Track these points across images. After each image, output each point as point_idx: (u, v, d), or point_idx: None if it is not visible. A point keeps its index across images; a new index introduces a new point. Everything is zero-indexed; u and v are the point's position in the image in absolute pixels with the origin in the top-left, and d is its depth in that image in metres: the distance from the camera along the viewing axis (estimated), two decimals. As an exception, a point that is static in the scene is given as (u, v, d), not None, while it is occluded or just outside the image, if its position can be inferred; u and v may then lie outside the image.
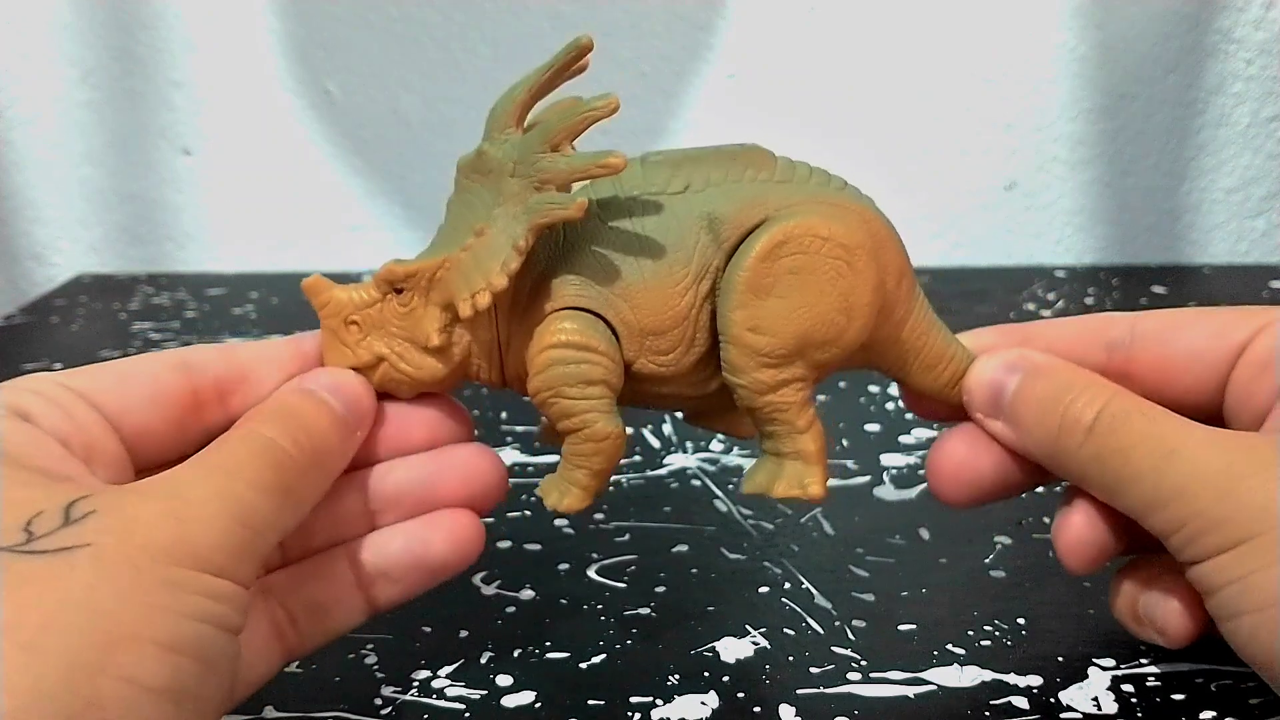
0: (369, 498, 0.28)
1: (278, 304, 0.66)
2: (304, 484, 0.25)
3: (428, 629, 0.32)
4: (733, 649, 0.31)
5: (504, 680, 0.30)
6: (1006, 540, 0.37)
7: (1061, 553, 0.28)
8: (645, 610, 0.33)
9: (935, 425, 0.46)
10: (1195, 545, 0.25)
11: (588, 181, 0.27)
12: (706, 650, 0.31)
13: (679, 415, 0.32)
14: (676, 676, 0.30)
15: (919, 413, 0.32)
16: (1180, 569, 0.26)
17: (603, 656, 0.31)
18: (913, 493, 0.40)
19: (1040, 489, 0.30)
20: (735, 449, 0.44)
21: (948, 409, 0.30)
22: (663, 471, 0.43)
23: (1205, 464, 0.25)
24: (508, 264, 0.26)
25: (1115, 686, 0.29)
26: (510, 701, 0.29)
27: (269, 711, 0.29)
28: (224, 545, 0.22)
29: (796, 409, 0.28)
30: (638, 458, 0.44)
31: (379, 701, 0.29)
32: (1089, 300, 0.64)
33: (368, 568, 0.28)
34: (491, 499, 0.29)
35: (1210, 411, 0.28)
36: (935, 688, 0.29)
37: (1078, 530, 0.28)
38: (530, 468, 0.43)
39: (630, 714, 0.28)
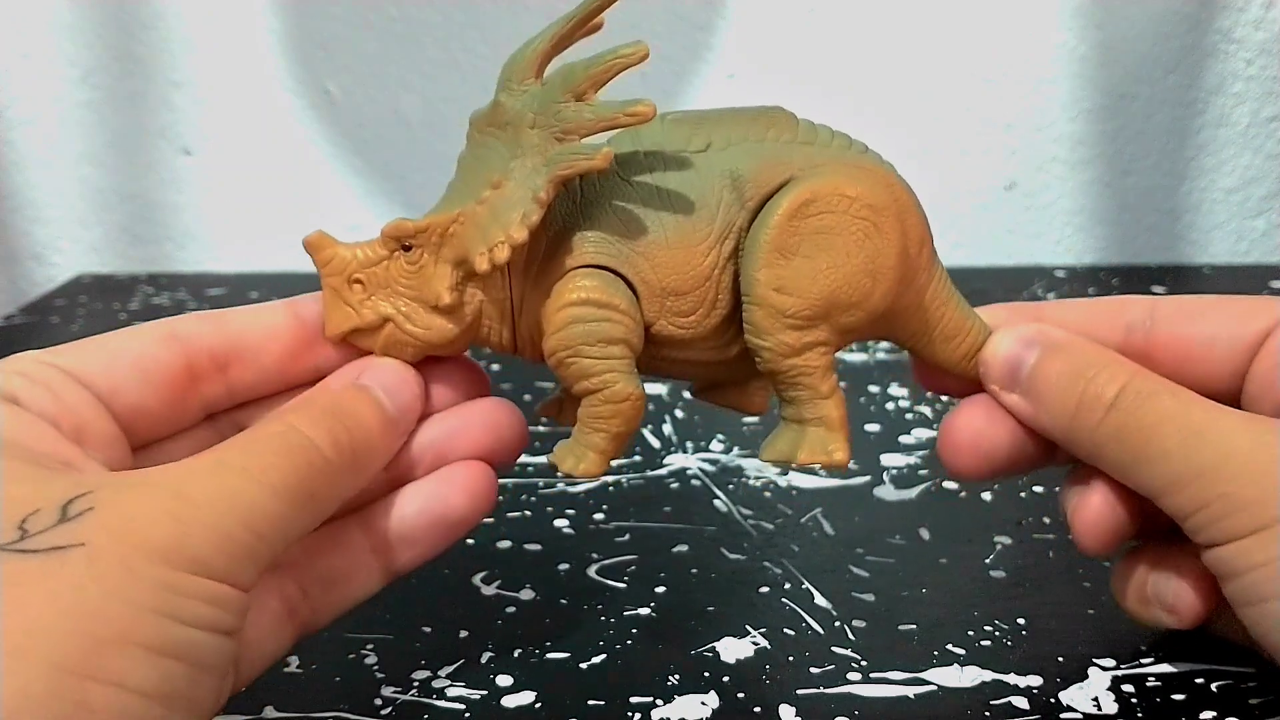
0: (389, 464, 0.27)
1: (278, 304, 0.66)
2: (332, 489, 0.24)
3: (428, 629, 0.32)
4: (733, 649, 0.31)
5: (504, 680, 0.30)
6: (1006, 540, 0.37)
7: (1079, 532, 0.28)
8: (645, 610, 0.33)
9: (935, 426, 0.46)
10: (1218, 526, 0.24)
11: (609, 134, 0.26)
12: (706, 650, 0.31)
13: (687, 394, 0.32)
14: (676, 676, 0.30)
15: (931, 386, 0.31)
16: (1194, 551, 0.26)
17: (603, 656, 0.31)
18: (913, 493, 0.40)
19: (1040, 489, 0.30)
20: (735, 449, 0.44)
21: (961, 383, 0.30)
22: (663, 471, 0.43)
23: (1234, 444, 0.24)
24: (528, 216, 0.25)
25: (1115, 686, 0.29)
26: (510, 701, 0.29)
27: (269, 711, 0.29)
28: (224, 549, 0.21)
29: (820, 374, 0.27)
30: (638, 458, 0.44)
31: (379, 701, 0.29)
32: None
33: (384, 532, 0.27)
34: (513, 452, 0.28)
35: (1228, 399, 0.28)
36: (935, 688, 0.29)
37: (1096, 510, 0.28)
38: (530, 468, 0.43)
39: (630, 714, 0.28)
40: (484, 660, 0.31)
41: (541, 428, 0.43)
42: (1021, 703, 0.28)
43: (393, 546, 0.27)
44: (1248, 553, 0.24)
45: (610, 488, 0.41)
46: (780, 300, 0.26)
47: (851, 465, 0.42)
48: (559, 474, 0.27)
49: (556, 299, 0.26)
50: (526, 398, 0.49)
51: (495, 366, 0.51)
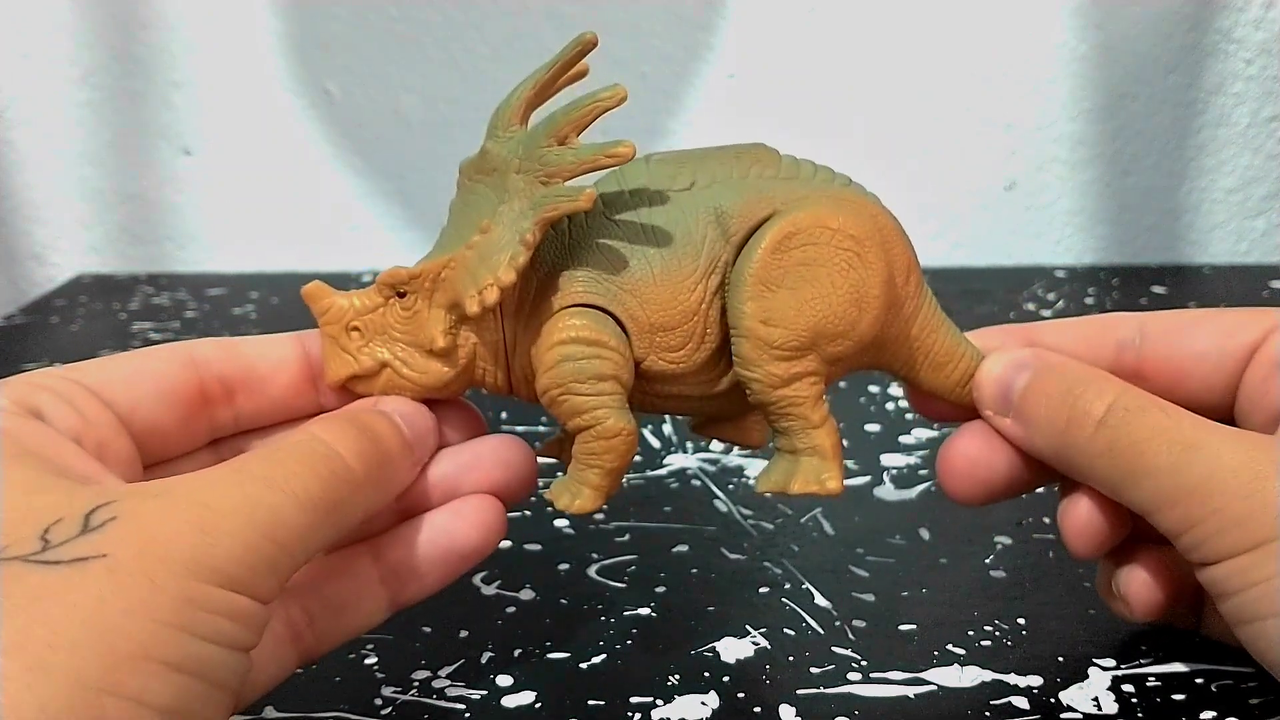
0: (402, 494, 0.27)
1: (278, 304, 0.66)
2: (354, 502, 0.24)
3: (428, 629, 0.32)
4: (733, 649, 0.31)
5: (504, 680, 0.30)
6: (1006, 540, 0.37)
7: (1067, 537, 0.28)
8: (645, 610, 0.33)
9: (936, 425, 0.46)
10: (1211, 544, 0.24)
11: (596, 175, 0.27)
12: (706, 650, 0.31)
13: (690, 426, 0.32)
14: (676, 676, 0.30)
15: (926, 414, 0.31)
16: (1153, 546, 0.26)
17: (603, 656, 0.31)
18: (913, 493, 0.40)
19: (1040, 489, 0.30)
20: (735, 449, 0.44)
21: (956, 409, 0.30)
22: (663, 471, 0.43)
23: (1225, 461, 0.24)
24: (515, 258, 0.26)
25: (1115, 686, 0.29)
26: (510, 701, 0.29)
27: (269, 711, 0.29)
28: (247, 560, 0.21)
29: (810, 404, 0.27)
30: (638, 458, 0.44)
31: (379, 701, 0.29)
32: (1089, 300, 0.64)
33: (393, 562, 0.27)
34: (523, 489, 0.28)
35: (1221, 413, 0.28)
36: (935, 688, 0.29)
37: (1085, 514, 0.28)
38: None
39: (630, 714, 0.28)
40: (484, 660, 0.31)
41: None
42: (1021, 703, 0.28)
43: (401, 577, 0.27)
44: (1242, 571, 0.24)
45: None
46: (767, 332, 0.27)
47: (851, 465, 0.42)
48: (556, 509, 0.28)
49: (546, 338, 0.27)
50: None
51: (504, 414, 0.51)
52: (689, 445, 0.45)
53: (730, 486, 0.41)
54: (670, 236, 0.27)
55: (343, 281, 0.28)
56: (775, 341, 0.27)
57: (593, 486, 0.27)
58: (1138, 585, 0.28)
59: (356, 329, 0.27)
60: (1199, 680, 0.29)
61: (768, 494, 0.29)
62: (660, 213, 0.27)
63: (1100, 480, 0.27)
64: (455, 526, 0.27)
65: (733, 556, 0.36)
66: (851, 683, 0.29)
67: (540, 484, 0.29)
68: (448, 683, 0.30)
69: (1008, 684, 0.29)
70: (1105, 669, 0.30)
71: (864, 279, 0.27)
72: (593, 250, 0.27)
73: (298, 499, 0.22)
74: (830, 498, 0.28)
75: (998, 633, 0.32)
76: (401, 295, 0.27)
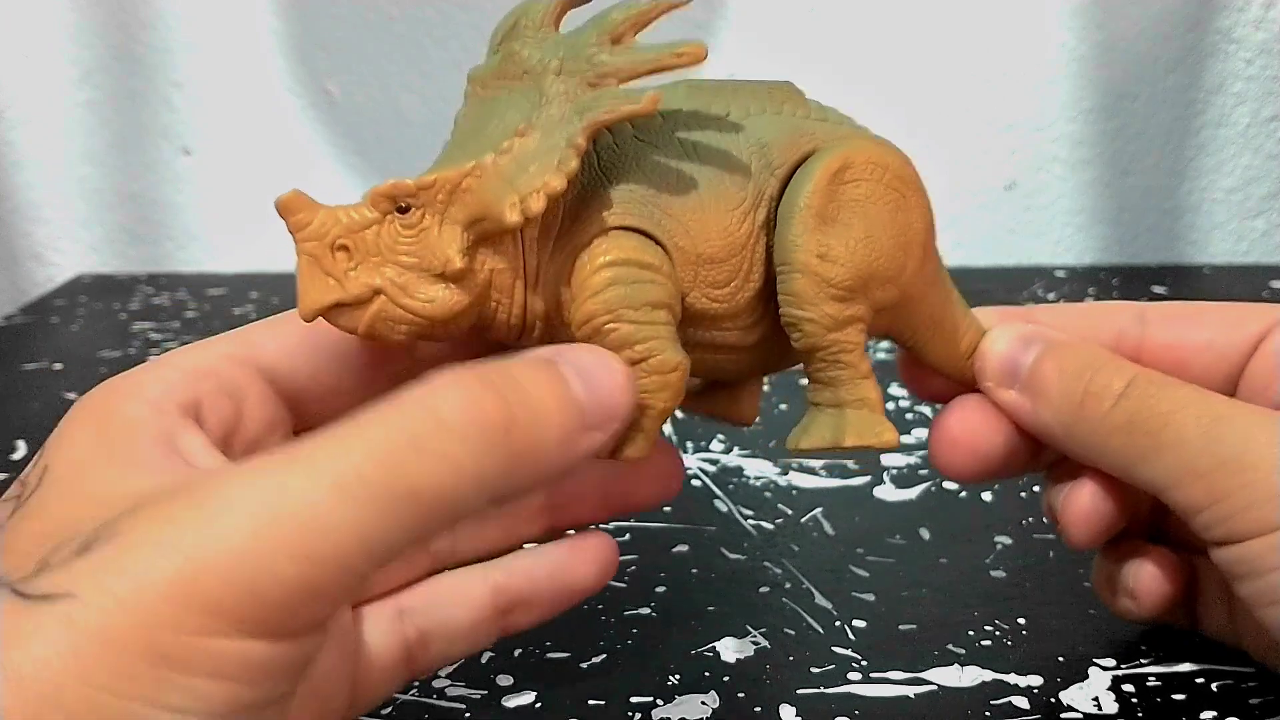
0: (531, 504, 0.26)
1: (278, 304, 0.66)
2: (455, 486, 0.18)
3: (428, 629, 0.32)
4: (733, 649, 0.31)
5: (504, 680, 0.30)
6: (1006, 540, 0.37)
7: (1068, 525, 0.28)
8: (645, 610, 0.33)
9: (935, 425, 0.46)
10: (1238, 520, 0.23)
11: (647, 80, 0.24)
12: (706, 650, 0.31)
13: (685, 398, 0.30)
14: (676, 676, 0.30)
15: (919, 389, 0.30)
16: (1202, 546, 0.25)
17: (603, 656, 0.31)
18: (913, 493, 0.40)
19: (1040, 489, 0.30)
20: (735, 449, 0.44)
21: (950, 386, 0.29)
22: (663, 471, 0.43)
23: (1259, 435, 0.23)
24: (565, 163, 0.22)
25: (1115, 686, 0.29)
26: (510, 701, 0.29)
27: (269, 711, 0.29)
28: (257, 591, 0.16)
29: (859, 352, 0.26)
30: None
31: (379, 701, 0.29)
32: (1089, 300, 0.64)
33: (510, 593, 0.26)
34: (662, 501, 0.28)
35: None
36: (935, 688, 0.29)
37: (1088, 500, 0.27)
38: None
39: (630, 714, 0.28)
40: (484, 660, 0.31)
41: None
42: (1021, 703, 0.28)
43: (514, 609, 0.26)
44: (1273, 550, 0.23)
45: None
46: (825, 268, 0.25)
47: (851, 465, 0.42)
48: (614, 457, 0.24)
49: (591, 261, 0.23)
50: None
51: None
52: (689, 445, 0.45)
53: (730, 486, 0.41)
54: (716, 163, 0.24)
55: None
56: (833, 278, 0.25)
57: (644, 431, 0.24)
58: (1148, 579, 0.28)
59: (345, 248, 0.22)
60: (1199, 680, 0.29)
61: (813, 450, 0.26)
62: (701, 136, 0.25)
63: (1112, 457, 0.26)
64: (574, 564, 0.26)
65: (733, 556, 0.36)
66: (851, 683, 0.29)
67: None
68: (448, 683, 0.30)
69: (1008, 684, 0.29)
70: (1105, 669, 0.30)
71: (910, 222, 0.26)
72: (632, 173, 0.24)
73: (348, 492, 0.17)
74: (887, 449, 0.26)
75: (998, 633, 0.32)
76: (404, 210, 0.23)
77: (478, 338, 0.25)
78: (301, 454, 0.17)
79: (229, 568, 0.16)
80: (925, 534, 0.37)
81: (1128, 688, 0.29)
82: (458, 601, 0.26)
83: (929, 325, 0.28)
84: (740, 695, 0.29)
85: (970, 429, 0.28)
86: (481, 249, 0.23)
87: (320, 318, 0.23)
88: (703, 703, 0.29)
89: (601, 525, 0.38)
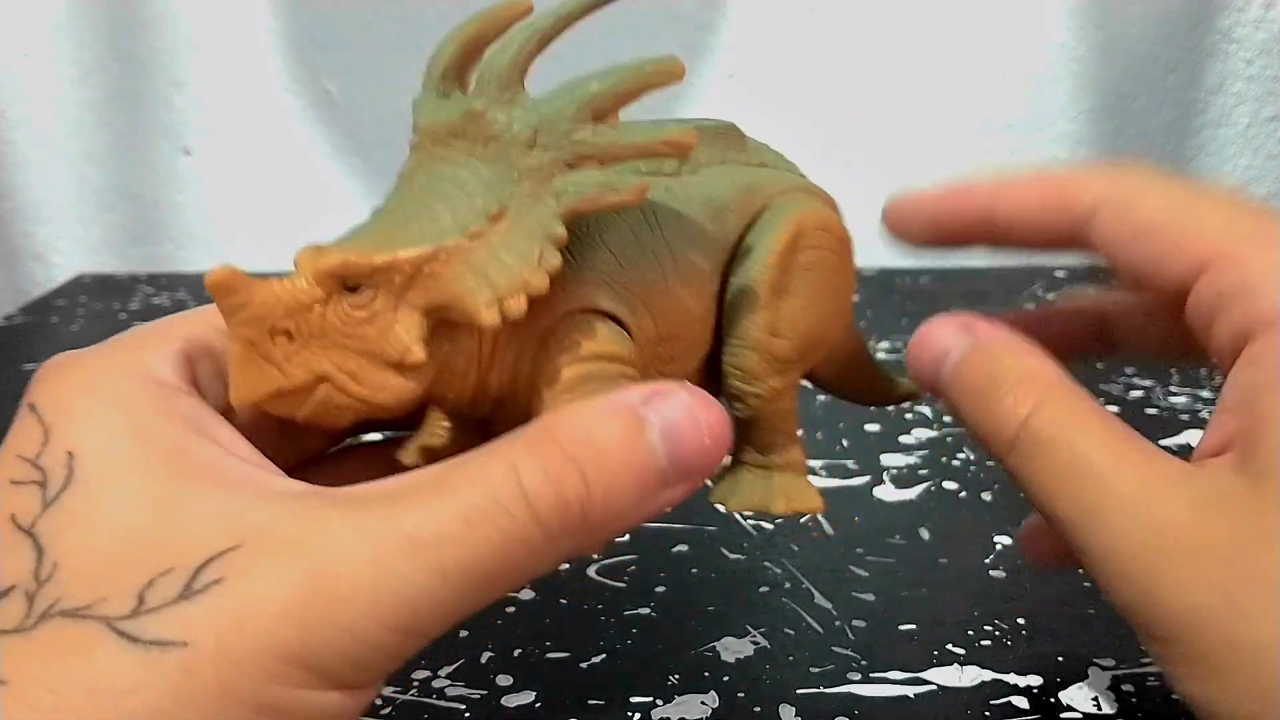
0: None
1: (278, 304, 0.66)
2: (530, 566, 0.18)
3: (428, 629, 0.32)
4: (733, 649, 0.31)
5: (504, 680, 0.30)
6: (1006, 540, 0.37)
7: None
8: (645, 610, 0.33)
9: (936, 426, 0.46)
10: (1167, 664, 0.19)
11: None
12: (706, 650, 0.31)
13: None
14: (676, 676, 0.30)
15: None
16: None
17: (603, 656, 0.31)
18: (913, 493, 0.40)
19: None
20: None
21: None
22: (663, 471, 0.43)
23: (1139, 547, 0.19)
24: (547, 259, 0.21)
25: (1115, 686, 0.29)
26: (510, 701, 0.29)
27: (269, 711, 0.29)
28: (354, 654, 0.17)
29: (793, 416, 0.26)
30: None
31: (379, 701, 0.29)
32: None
33: None
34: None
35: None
36: (935, 688, 0.29)
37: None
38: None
39: (630, 714, 0.28)
40: (484, 660, 0.31)
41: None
42: (1021, 702, 0.28)
43: None
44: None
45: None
46: (775, 344, 0.24)
47: (851, 465, 0.42)
48: None
49: (562, 352, 0.22)
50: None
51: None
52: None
53: (730, 486, 0.41)
54: (678, 234, 0.23)
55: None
56: (780, 354, 0.25)
57: None
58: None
59: (286, 332, 0.20)
60: (1199, 680, 0.29)
61: (739, 511, 0.27)
62: (663, 202, 0.23)
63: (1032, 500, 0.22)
64: None
65: (733, 556, 0.36)
66: (851, 683, 0.29)
67: None
68: (448, 682, 0.30)
69: (1008, 684, 0.29)
70: (1105, 669, 0.30)
71: (845, 283, 0.26)
72: (596, 244, 0.23)
73: (445, 574, 0.17)
74: (813, 514, 0.26)
75: (998, 633, 0.32)
76: (354, 290, 0.20)
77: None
78: (401, 526, 0.17)
79: (335, 635, 0.17)
80: (925, 534, 0.37)
81: (1127, 688, 0.29)
82: None
83: (844, 366, 0.29)
84: (740, 695, 0.29)
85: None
86: (437, 335, 0.21)
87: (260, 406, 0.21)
88: (702, 703, 0.29)
89: (601, 525, 0.38)
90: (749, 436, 0.26)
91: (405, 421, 0.25)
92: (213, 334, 0.22)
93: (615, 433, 0.19)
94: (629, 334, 0.23)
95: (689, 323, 0.24)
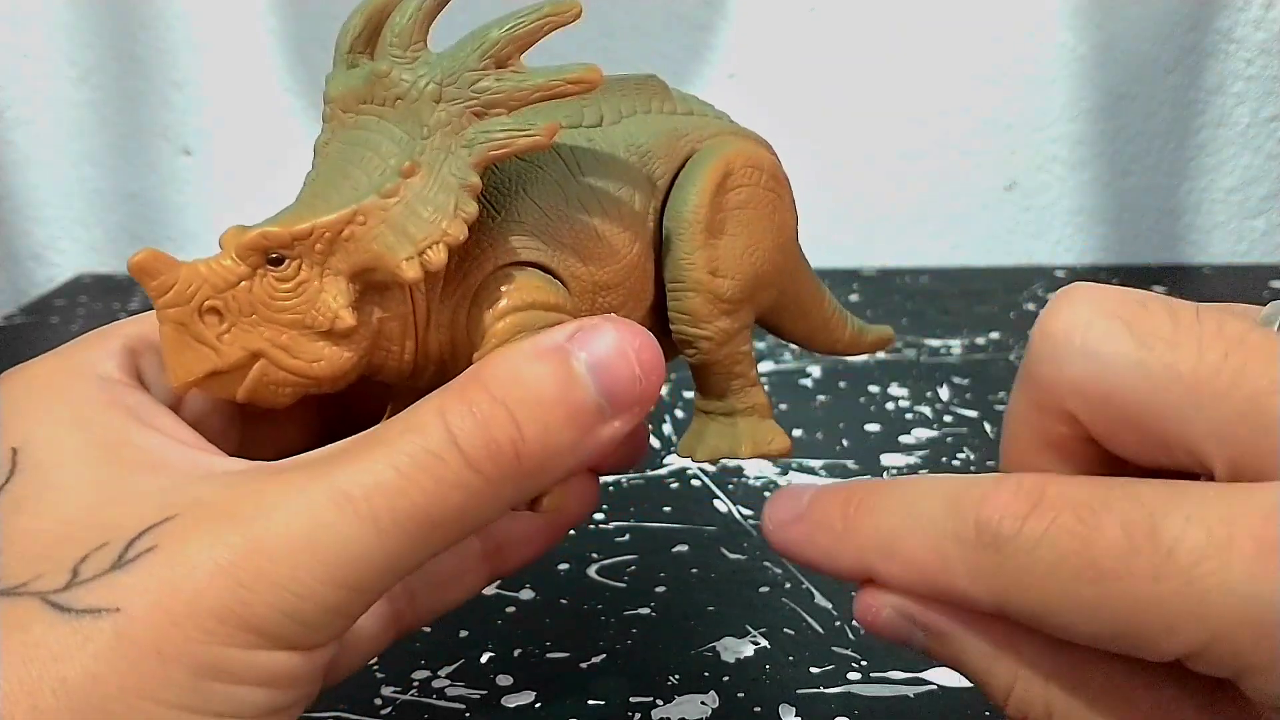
0: None
1: (278, 304, 0.66)
2: (473, 513, 0.19)
3: (427, 629, 0.32)
4: (733, 649, 0.31)
5: (504, 680, 0.30)
6: (1006, 540, 0.37)
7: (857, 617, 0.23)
8: (645, 610, 0.33)
9: (936, 425, 0.46)
10: None
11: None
12: (706, 650, 0.31)
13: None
14: (676, 676, 0.30)
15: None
16: None
17: (603, 656, 0.31)
18: (913, 493, 0.40)
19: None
20: (735, 449, 0.44)
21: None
22: (663, 471, 0.43)
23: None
24: (463, 208, 0.21)
25: (1115, 686, 0.29)
26: (510, 701, 0.29)
27: (269, 711, 0.29)
28: (298, 614, 0.17)
29: (749, 359, 0.25)
30: (638, 458, 0.44)
31: (379, 701, 0.29)
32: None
33: (498, 536, 0.25)
34: (630, 463, 0.27)
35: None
36: (935, 688, 0.29)
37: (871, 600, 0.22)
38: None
39: (630, 714, 0.28)
40: (484, 660, 0.31)
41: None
42: (1021, 703, 0.28)
43: (503, 549, 0.26)
44: None
45: (610, 488, 0.41)
46: (717, 284, 0.24)
47: (851, 465, 0.42)
48: None
49: (493, 305, 0.22)
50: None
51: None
52: (689, 445, 0.45)
53: (730, 486, 0.41)
54: (604, 180, 0.23)
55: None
56: (724, 293, 0.24)
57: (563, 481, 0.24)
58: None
59: (215, 310, 0.20)
60: (1199, 680, 0.29)
61: (708, 461, 0.26)
62: (585, 156, 0.23)
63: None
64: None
65: (733, 556, 0.36)
66: (851, 683, 0.29)
67: None
68: (448, 683, 0.30)
69: (1008, 684, 0.29)
70: (1105, 669, 0.30)
71: (786, 221, 0.26)
72: (519, 198, 0.22)
73: (380, 525, 0.17)
74: (782, 457, 0.25)
75: (998, 633, 0.32)
76: (276, 262, 0.20)
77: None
78: (333, 481, 0.18)
79: (272, 592, 0.17)
80: (925, 534, 0.37)
81: (1128, 688, 0.29)
82: (444, 552, 0.25)
83: (798, 311, 0.28)
84: (740, 695, 0.29)
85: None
86: (367, 300, 0.21)
87: (197, 387, 0.21)
88: (702, 703, 0.29)
89: (602, 525, 0.38)
90: (706, 385, 0.26)
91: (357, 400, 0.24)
92: (150, 329, 0.22)
93: (543, 371, 0.19)
94: (564, 284, 0.23)
95: (626, 269, 0.24)
